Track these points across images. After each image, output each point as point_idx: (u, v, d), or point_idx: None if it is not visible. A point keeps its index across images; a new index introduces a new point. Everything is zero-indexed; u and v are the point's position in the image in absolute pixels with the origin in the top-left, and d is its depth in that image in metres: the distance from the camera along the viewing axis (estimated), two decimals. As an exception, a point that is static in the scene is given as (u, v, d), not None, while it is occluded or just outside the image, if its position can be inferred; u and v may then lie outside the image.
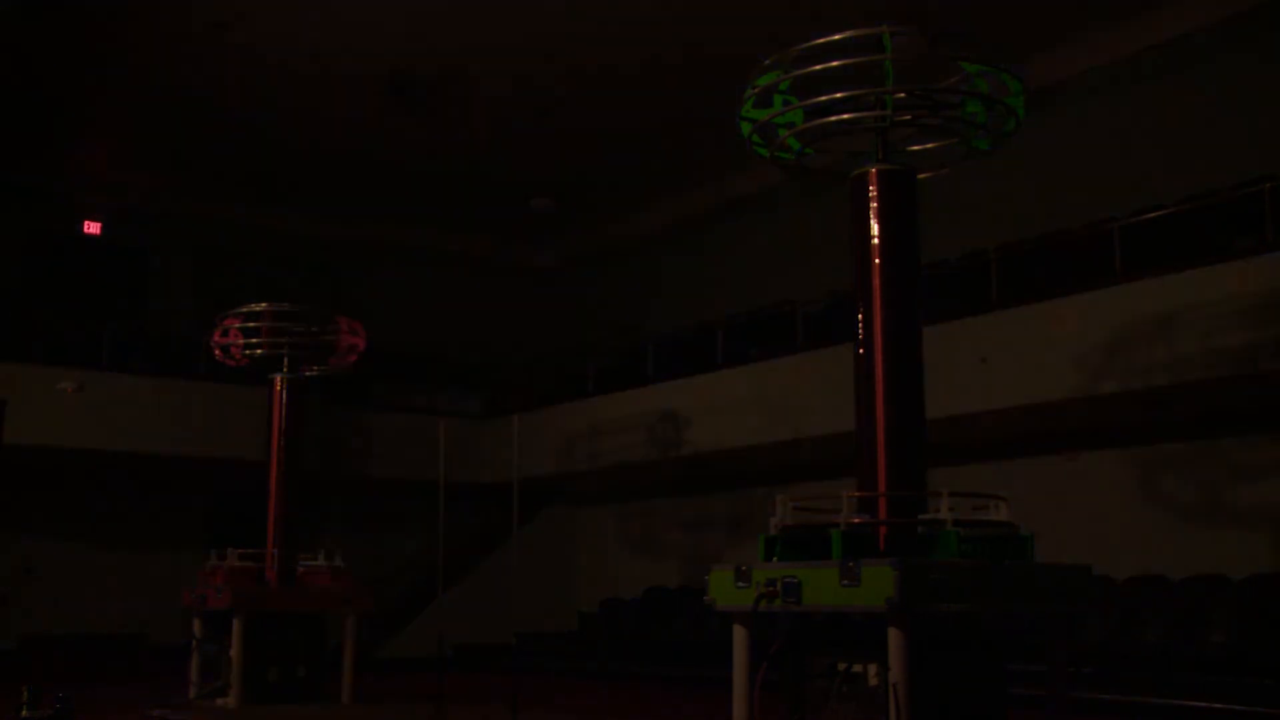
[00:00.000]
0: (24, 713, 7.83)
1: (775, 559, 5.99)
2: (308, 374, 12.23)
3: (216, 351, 11.95)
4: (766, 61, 6.38)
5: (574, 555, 19.64)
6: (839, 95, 6.29)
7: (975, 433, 12.76)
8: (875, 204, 6.37)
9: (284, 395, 11.91)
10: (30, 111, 16.11)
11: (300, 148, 17.32)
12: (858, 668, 5.67)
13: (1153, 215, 11.81)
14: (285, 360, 11.91)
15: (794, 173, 7.18)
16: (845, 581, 5.45)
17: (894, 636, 5.34)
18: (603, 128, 16.58)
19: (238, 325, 11.77)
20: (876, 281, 6.33)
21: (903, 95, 6.31)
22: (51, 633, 16.29)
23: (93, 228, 18.86)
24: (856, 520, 5.91)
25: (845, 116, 6.38)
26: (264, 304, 11.90)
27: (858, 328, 6.36)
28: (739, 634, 5.99)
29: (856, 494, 6.10)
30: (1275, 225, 10.55)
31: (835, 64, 6.20)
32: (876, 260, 6.35)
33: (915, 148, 6.96)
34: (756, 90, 6.42)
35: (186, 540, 16.99)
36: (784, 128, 6.58)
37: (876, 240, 6.36)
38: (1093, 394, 11.18)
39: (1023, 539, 6.03)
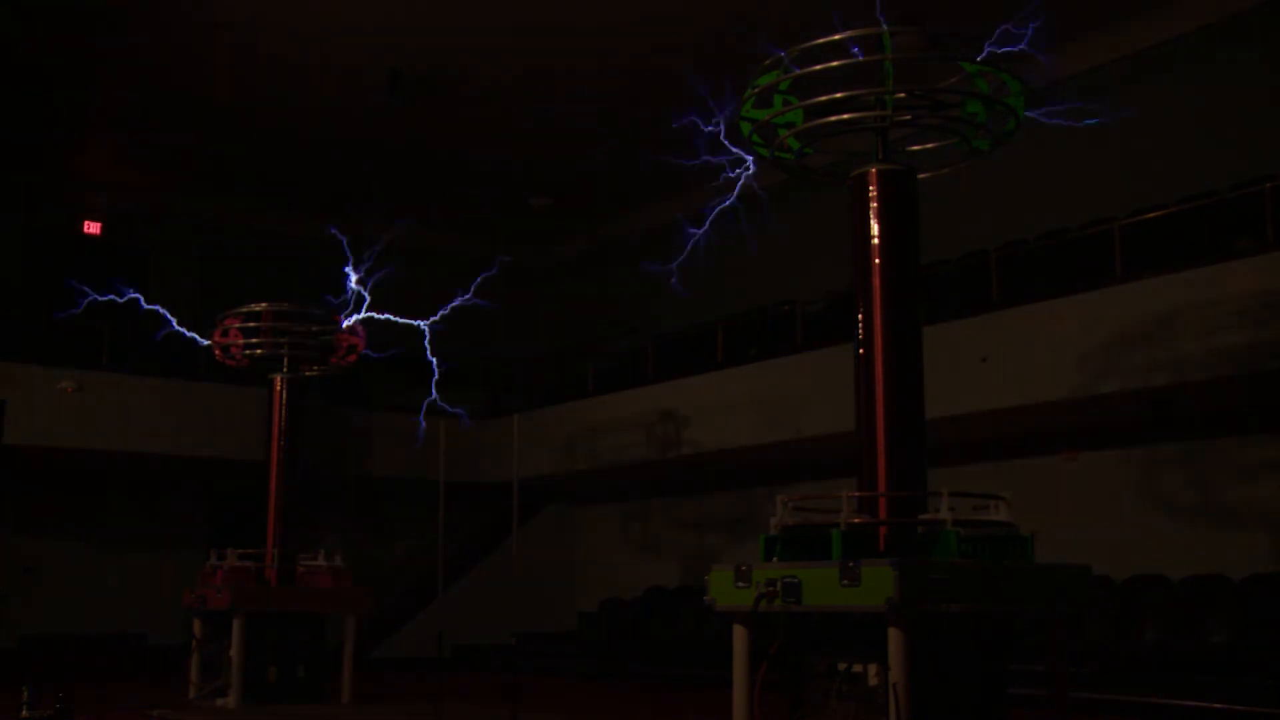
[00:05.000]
0: (24, 713, 7.83)
1: (775, 559, 6.00)
2: (308, 374, 12.22)
3: (216, 351, 11.94)
4: (766, 61, 6.38)
5: (574, 555, 19.63)
6: (839, 95, 6.30)
7: (975, 433, 12.77)
8: (875, 204, 6.37)
9: (284, 395, 11.91)
10: (30, 111, 16.10)
11: (299, 147, 17.32)
12: (858, 668, 5.67)
13: (1153, 215, 11.80)
14: (285, 360, 11.91)
15: (794, 173, 7.19)
16: (845, 581, 5.46)
17: (894, 636, 5.34)
18: (602, 126, 16.56)
19: (238, 325, 11.77)
20: (876, 281, 6.33)
21: (903, 95, 6.31)
22: (51, 633, 16.29)
23: (93, 228, 18.85)
24: (856, 520, 5.91)
25: (845, 116, 6.39)
26: (264, 304, 11.90)
27: (858, 328, 6.37)
28: (739, 634, 5.99)
29: (856, 494, 6.10)
30: (1275, 225, 10.53)
31: (835, 64, 6.21)
32: (876, 260, 6.35)
33: (915, 148, 6.96)
34: (756, 90, 6.42)
35: (186, 540, 17.00)
36: (784, 128, 6.58)
37: (876, 240, 6.36)
38: (1093, 394, 11.17)
39: (1023, 539, 6.04)
